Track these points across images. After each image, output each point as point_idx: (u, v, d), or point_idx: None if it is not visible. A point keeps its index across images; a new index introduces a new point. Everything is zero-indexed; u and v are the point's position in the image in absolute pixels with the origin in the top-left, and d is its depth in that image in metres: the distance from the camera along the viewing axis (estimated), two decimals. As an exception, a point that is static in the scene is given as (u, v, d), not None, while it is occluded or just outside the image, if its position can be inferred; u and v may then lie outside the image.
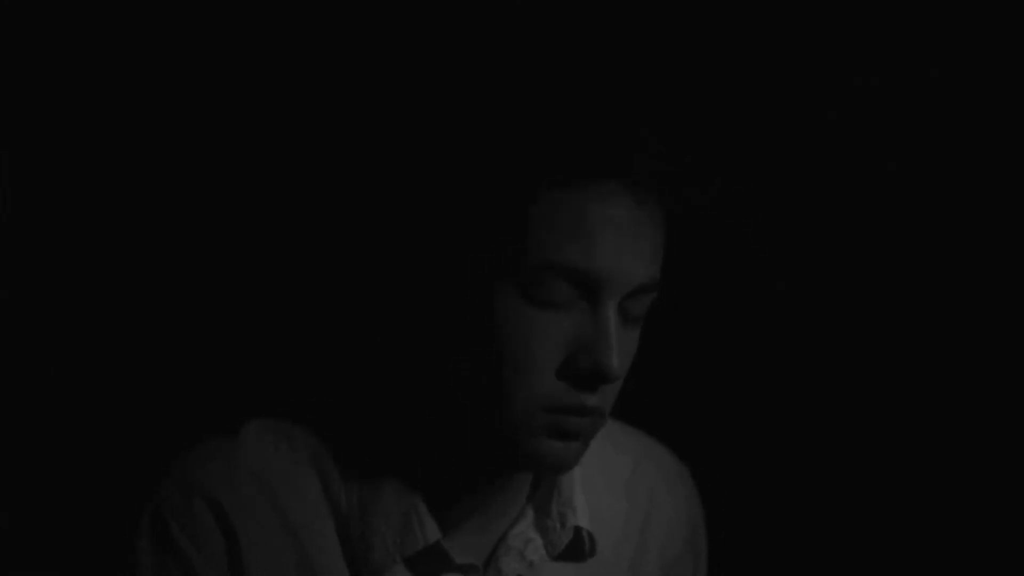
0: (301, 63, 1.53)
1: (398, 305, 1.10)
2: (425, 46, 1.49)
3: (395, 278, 1.09)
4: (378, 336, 1.15)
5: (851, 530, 1.63)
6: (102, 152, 1.54)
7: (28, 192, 1.53)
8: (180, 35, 1.53)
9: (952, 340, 1.60)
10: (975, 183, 1.58)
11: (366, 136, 1.46)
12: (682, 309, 1.56)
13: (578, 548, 1.17)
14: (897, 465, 1.62)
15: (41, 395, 1.54)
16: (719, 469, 1.39)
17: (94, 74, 1.52)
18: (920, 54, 1.55)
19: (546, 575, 1.16)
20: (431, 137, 1.07)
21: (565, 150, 1.01)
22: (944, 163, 1.58)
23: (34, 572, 1.50)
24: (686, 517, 1.28)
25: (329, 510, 1.10)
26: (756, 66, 1.55)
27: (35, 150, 1.53)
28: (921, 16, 1.54)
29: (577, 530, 1.16)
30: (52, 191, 1.54)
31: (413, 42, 1.50)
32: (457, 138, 1.05)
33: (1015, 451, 1.58)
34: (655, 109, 1.05)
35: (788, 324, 1.63)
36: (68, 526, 1.50)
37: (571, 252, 1.01)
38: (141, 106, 1.54)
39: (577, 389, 1.04)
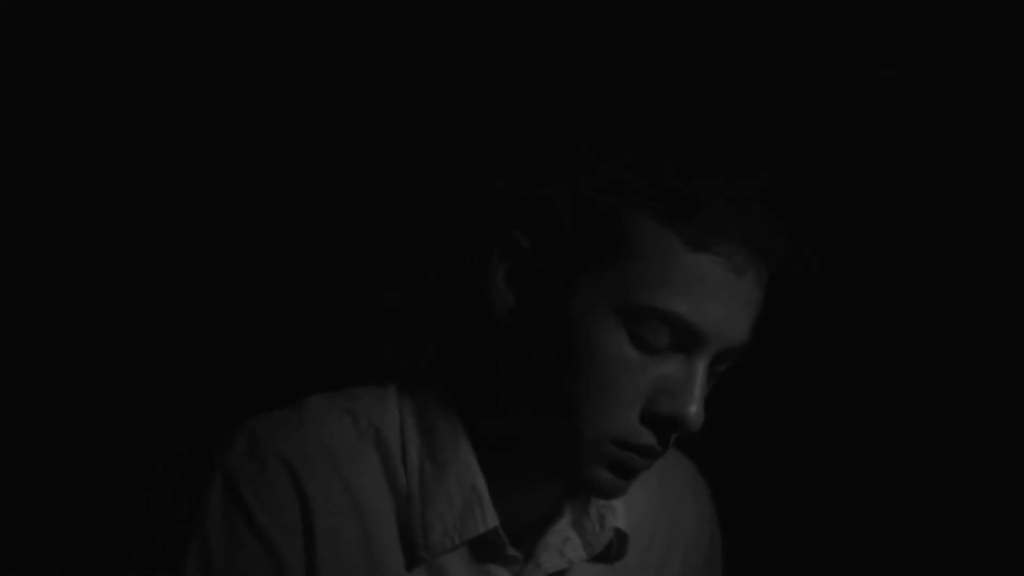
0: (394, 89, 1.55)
1: (502, 303, 1.09)
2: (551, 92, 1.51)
3: (507, 288, 1.08)
4: (467, 326, 1.14)
5: (865, 545, 1.63)
6: (102, 152, 1.54)
7: (28, 192, 1.53)
8: (181, 36, 1.53)
9: (962, 347, 1.60)
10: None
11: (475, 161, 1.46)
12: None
13: (609, 549, 1.17)
14: (910, 476, 1.62)
15: (41, 395, 1.54)
16: (733, 483, 1.39)
17: (94, 74, 1.52)
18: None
19: (578, 573, 1.17)
20: (566, 190, 1.06)
21: (698, 212, 1.02)
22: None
23: (34, 572, 1.50)
24: (707, 528, 1.29)
25: (388, 489, 1.10)
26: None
27: (34, 150, 1.53)
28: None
29: (614, 531, 1.17)
30: (52, 191, 1.54)
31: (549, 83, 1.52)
32: (596, 190, 1.05)
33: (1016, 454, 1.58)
34: (773, 174, 1.05)
35: (803, 333, 1.63)
36: (67, 526, 1.50)
37: (685, 305, 1.02)
38: (142, 106, 1.54)
39: (652, 431, 1.05)
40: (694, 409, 1.04)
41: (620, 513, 1.17)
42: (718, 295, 1.03)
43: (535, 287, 1.07)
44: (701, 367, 1.04)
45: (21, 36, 1.50)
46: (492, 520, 1.10)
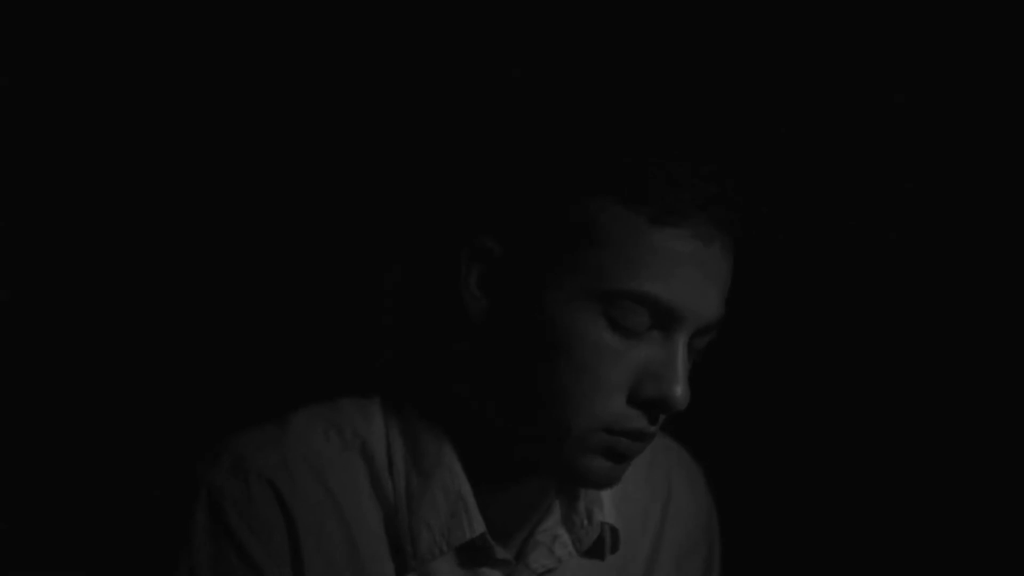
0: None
1: (477, 307, 1.09)
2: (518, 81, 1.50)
3: (479, 283, 1.09)
4: (445, 332, 1.14)
5: (860, 530, 1.63)
6: (102, 152, 1.54)
7: (28, 192, 1.53)
8: (182, 35, 1.52)
9: (955, 343, 1.60)
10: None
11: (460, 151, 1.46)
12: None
13: (601, 544, 1.18)
14: (906, 465, 1.62)
15: (41, 395, 1.54)
16: (729, 469, 1.39)
17: (94, 74, 1.52)
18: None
19: (569, 569, 1.17)
20: (539, 177, 1.07)
21: (661, 189, 1.03)
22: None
23: (36, 572, 1.50)
24: (700, 510, 1.29)
25: (375, 500, 1.11)
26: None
27: (35, 150, 1.53)
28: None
29: (602, 526, 1.17)
30: (52, 191, 1.54)
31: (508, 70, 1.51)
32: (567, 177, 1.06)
33: (1016, 452, 1.58)
34: (740, 148, 1.06)
35: (796, 323, 1.63)
36: (67, 528, 1.51)
37: (658, 285, 1.03)
38: (141, 106, 1.54)
39: (640, 415, 1.06)
40: (679, 389, 1.04)
41: (608, 508, 1.18)
42: (688, 270, 1.04)
43: (509, 288, 1.07)
44: (681, 346, 1.05)
45: (21, 36, 1.50)
46: (479, 526, 1.10)
